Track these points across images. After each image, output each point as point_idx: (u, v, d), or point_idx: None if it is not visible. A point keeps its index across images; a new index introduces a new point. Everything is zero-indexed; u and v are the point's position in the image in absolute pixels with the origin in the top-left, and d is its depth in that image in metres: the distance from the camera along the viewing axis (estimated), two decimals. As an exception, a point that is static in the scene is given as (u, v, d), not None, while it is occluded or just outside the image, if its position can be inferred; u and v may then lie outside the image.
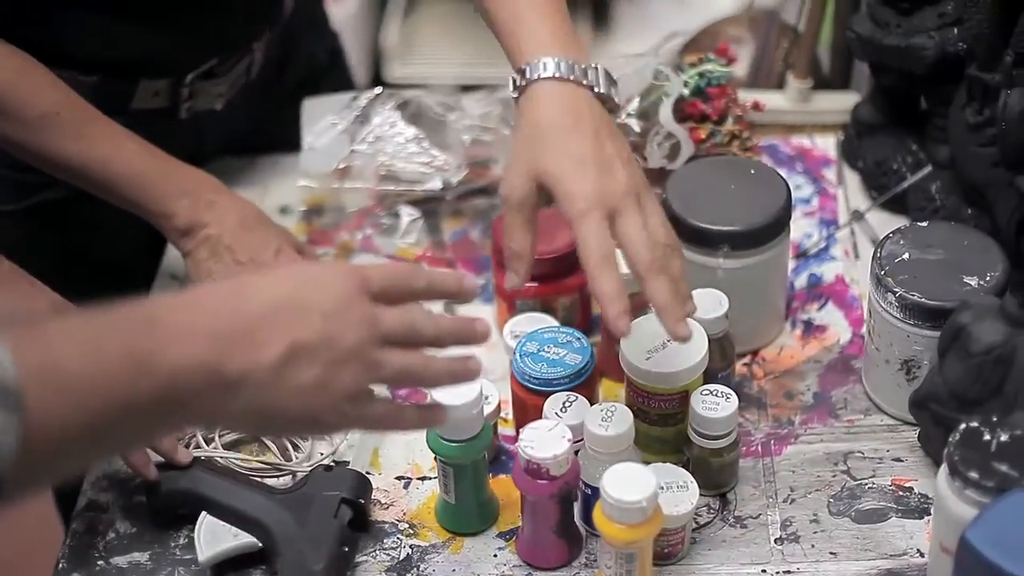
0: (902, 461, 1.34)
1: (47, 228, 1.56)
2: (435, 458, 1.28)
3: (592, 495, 1.25)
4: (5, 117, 1.36)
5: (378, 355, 1.02)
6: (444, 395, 1.23)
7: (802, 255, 1.53)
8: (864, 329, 1.39)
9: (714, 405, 1.27)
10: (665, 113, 1.47)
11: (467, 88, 1.79)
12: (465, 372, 1.07)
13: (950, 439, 1.15)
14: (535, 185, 1.19)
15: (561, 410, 1.28)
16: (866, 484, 1.32)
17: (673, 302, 1.18)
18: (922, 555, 1.25)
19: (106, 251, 1.57)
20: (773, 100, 1.68)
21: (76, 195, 1.43)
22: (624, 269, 1.18)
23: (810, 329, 1.46)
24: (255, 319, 0.98)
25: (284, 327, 0.98)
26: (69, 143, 1.38)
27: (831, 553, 1.27)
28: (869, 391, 1.39)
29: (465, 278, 1.11)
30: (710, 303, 1.33)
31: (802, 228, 1.56)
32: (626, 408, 1.25)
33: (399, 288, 1.06)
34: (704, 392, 1.28)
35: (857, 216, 1.56)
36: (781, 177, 1.41)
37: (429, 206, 1.59)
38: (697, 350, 1.29)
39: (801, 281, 1.51)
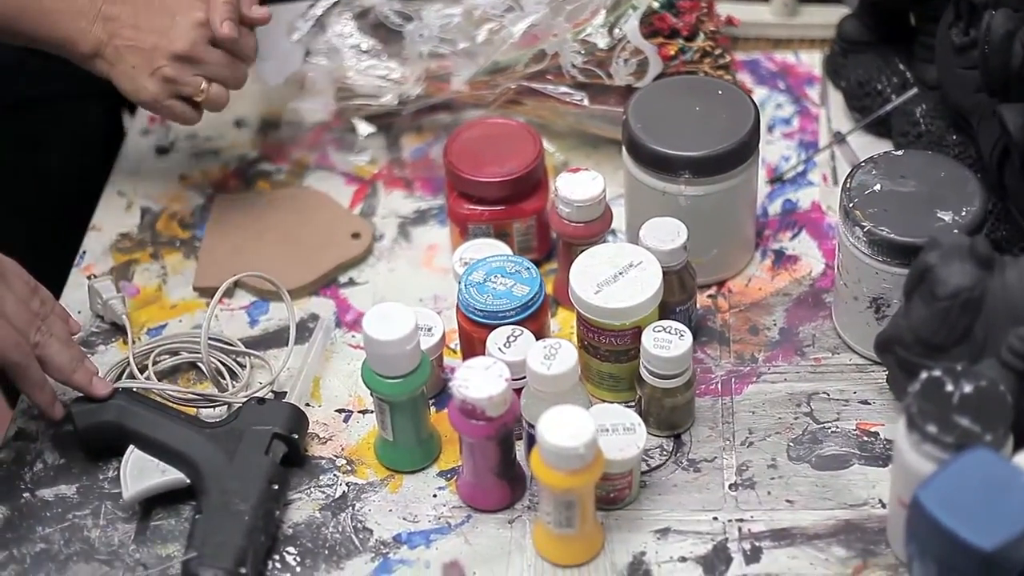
0: (869, 404, 1.26)
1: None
2: (371, 394, 1.22)
3: (536, 435, 1.19)
4: None
5: None
6: (378, 330, 1.16)
7: (777, 180, 1.45)
8: (835, 262, 1.32)
9: (666, 343, 1.20)
10: (632, 27, 1.38)
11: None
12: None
13: (910, 389, 1.08)
14: None
15: (505, 345, 1.21)
16: (829, 428, 1.25)
17: None
18: (884, 505, 1.19)
19: (49, 163, 1.51)
20: (758, 12, 1.59)
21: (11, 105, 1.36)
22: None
23: (781, 260, 1.38)
24: None
25: None
26: None
27: (787, 501, 1.20)
28: (838, 328, 1.31)
29: None
30: (667, 233, 1.26)
31: (780, 150, 1.48)
32: (571, 345, 1.18)
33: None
34: (656, 329, 1.21)
35: (838, 139, 1.47)
36: (750, 99, 1.32)
37: (386, 121, 1.51)
38: (650, 284, 1.22)
39: (775, 207, 1.43)
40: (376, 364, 1.19)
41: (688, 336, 1.21)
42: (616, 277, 1.22)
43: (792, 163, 1.46)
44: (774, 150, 1.48)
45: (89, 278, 1.40)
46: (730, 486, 1.21)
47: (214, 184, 1.50)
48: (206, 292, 1.38)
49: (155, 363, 1.32)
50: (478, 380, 1.14)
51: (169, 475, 1.22)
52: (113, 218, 1.48)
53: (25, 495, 1.25)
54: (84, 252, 1.45)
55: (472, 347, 1.26)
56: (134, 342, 1.33)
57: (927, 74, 1.42)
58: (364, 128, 1.51)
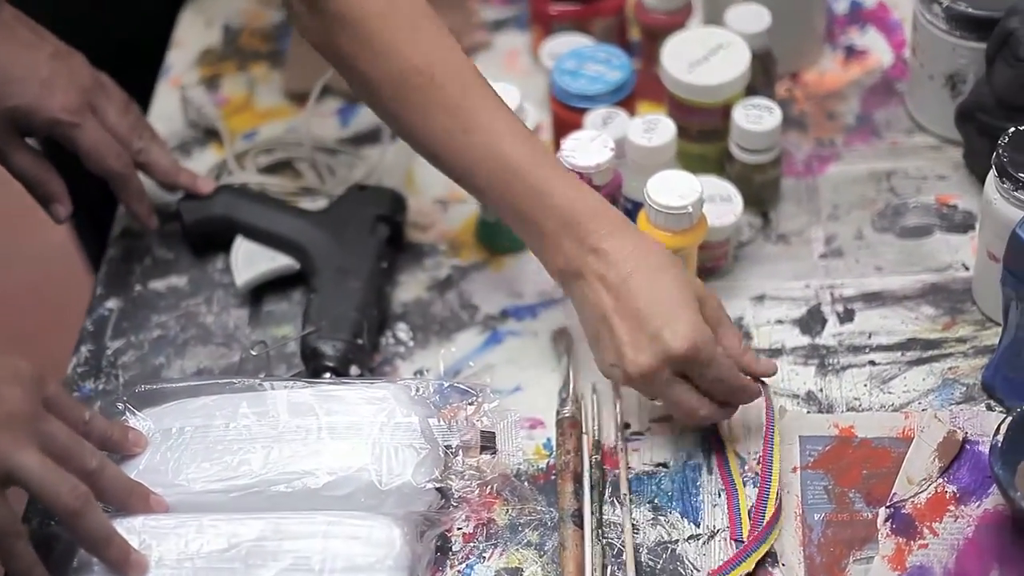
0: (946, 179, 1.32)
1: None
2: (475, 175, 1.26)
3: (634, 209, 1.24)
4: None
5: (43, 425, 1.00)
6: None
7: (841, -21, 1.50)
8: (907, 48, 1.36)
9: (757, 118, 1.25)
10: None
11: None
12: (141, 501, 1.05)
13: (1000, 142, 1.13)
14: None
15: (602, 126, 1.26)
16: (910, 202, 1.30)
17: None
18: (967, 268, 1.24)
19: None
20: None
21: None
22: None
23: (851, 53, 1.43)
24: None
25: None
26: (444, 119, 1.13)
27: (876, 268, 1.25)
28: (912, 111, 1.36)
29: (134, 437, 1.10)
30: (751, 17, 1.30)
31: (840, -47, 1.52)
32: (669, 120, 1.23)
33: (69, 408, 1.04)
34: (747, 105, 1.26)
35: (898, -59, 1.52)
36: None
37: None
38: (740, 62, 1.26)
39: (842, 7, 1.47)
40: (481, 142, 1.23)
41: (777, 111, 1.26)
42: (707, 57, 1.27)
43: (854, -37, 1.51)
44: (835, -48, 1.52)
45: (181, 88, 1.44)
46: (819, 256, 1.27)
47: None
48: (296, 98, 1.42)
49: (256, 159, 1.36)
50: (585, 150, 1.19)
51: (280, 261, 1.27)
52: (194, 35, 1.51)
53: (137, 287, 1.30)
54: (169, 67, 1.48)
55: (565, 134, 1.29)
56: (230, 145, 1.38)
57: None
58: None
